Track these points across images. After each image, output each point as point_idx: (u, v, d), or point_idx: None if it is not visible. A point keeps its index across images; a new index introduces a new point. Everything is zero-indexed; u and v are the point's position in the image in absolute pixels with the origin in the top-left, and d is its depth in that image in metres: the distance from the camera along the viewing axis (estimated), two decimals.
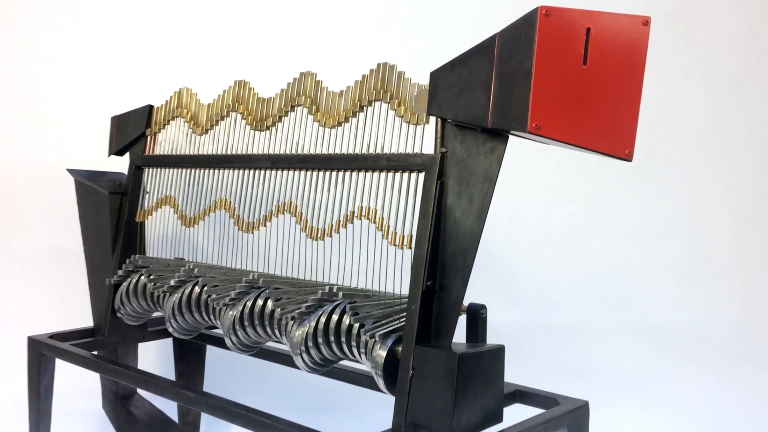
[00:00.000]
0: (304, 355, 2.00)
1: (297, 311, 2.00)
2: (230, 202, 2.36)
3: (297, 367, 2.07)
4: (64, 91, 3.80)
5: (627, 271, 4.19)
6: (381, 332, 1.83)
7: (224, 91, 2.44)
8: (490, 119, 1.64)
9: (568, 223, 4.17)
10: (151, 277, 2.49)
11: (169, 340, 3.08)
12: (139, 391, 2.95)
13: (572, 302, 4.10)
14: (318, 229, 2.06)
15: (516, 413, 2.03)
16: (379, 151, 1.95)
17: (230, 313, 2.19)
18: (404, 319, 1.84)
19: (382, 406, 2.50)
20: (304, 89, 2.18)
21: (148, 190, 2.68)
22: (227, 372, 3.50)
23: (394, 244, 1.86)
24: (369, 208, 1.94)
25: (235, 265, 2.44)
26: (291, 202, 2.15)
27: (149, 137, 2.71)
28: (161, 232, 2.70)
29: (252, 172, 2.31)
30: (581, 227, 4.18)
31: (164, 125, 2.64)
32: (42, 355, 2.61)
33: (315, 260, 2.14)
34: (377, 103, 1.97)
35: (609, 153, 1.66)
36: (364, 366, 1.95)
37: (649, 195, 4.23)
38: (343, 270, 2.06)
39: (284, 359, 2.61)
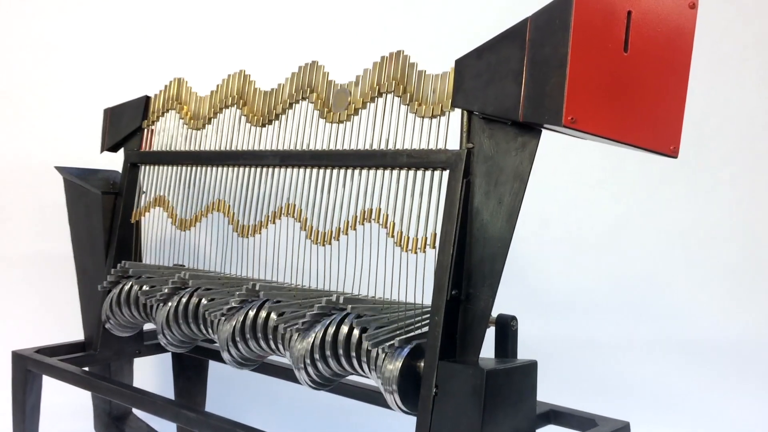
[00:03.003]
0: (310, 369, 2.03)
1: (301, 322, 2.02)
2: (227, 203, 2.38)
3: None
4: (51, 80, 3.82)
5: (671, 279, 4.18)
6: (389, 343, 1.85)
7: (223, 81, 2.46)
8: (522, 112, 1.65)
9: (606, 227, 4.16)
10: (144, 288, 2.51)
11: (168, 355, 3.09)
12: (135, 410, 2.97)
13: (611, 314, 4.09)
14: (328, 232, 2.07)
15: None
16: (399, 146, 1.95)
17: (227, 325, 2.22)
18: (420, 328, 1.85)
19: (398, 425, 2.50)
20: (310, 82, 2.23)
21: (144, 189, 2.69)
22: (231, 390, 3.51)
23: (416, 251, 1.87)
24: (386, 209, 1.94)
25: (239, 272, 2.45)
26: (301, 202, 2.16)
27: (146, 131, 2.72)
28: (159, 236, 2.71)
29: (257, 170, 2.32)
30: (621, 231, 4.18)
31: (158, 117, 2.65)
32: (27, 371, 2.62)
33: (327, 267, 2.15)
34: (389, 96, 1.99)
35: (652, 149, 1.67)
36: (373, 381, 1.97)
37: (697, 195, 4.22)
38: (359, 278, 2.06)
39: (292, 375, 2.62)
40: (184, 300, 2.38)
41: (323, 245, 2.11)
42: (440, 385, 1.74)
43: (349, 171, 2.06)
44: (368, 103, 2.02)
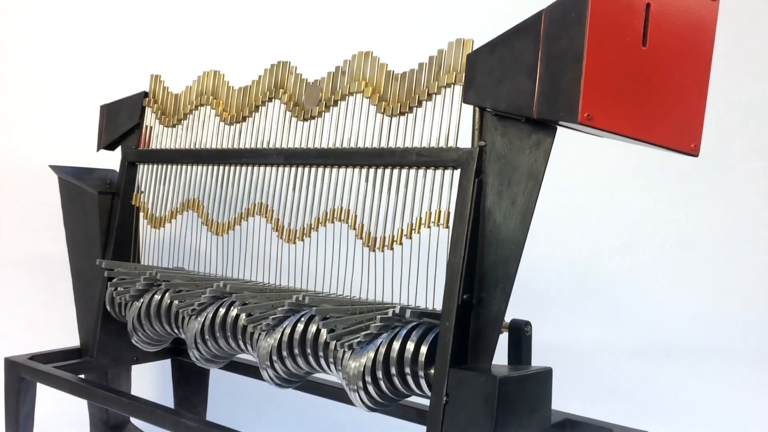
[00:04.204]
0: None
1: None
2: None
3: (314, 393, 2.12)
4: (46, 76, 3.83)
5: (692, 283, 4.18)
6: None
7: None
8: (536, 108, 1.65)
9: (624, 228, 4.16)
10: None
11: (167, 362, 3.09)
12: (133, 420, 2.97)
13: (629, 319, 4.09)
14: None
15: None
16: (407, 145, 1.95)
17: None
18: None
19: None
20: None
21: (142, 189, 2.69)
22: (234, 398, 3.51)
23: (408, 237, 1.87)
24: (394, 209, 1.94)
25: (240, 275, 2.45)
26: (304, 202, 2.16)
27: (144, 129, 2.72)
28: (159, 237, 2.71)
29: (261, 169, 2.33)
30: (639, 232, 4.18)
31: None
32: (21, 379, 2.62)
33: (333, 269, 2.15)
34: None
35: (672, 147, 1.67)
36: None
37: (718, 195, 4.22)
38: (365, 280, 2.07)
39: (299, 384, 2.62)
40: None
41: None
42: (451, 393, 1.74)
43: (356, 170, 2.06)
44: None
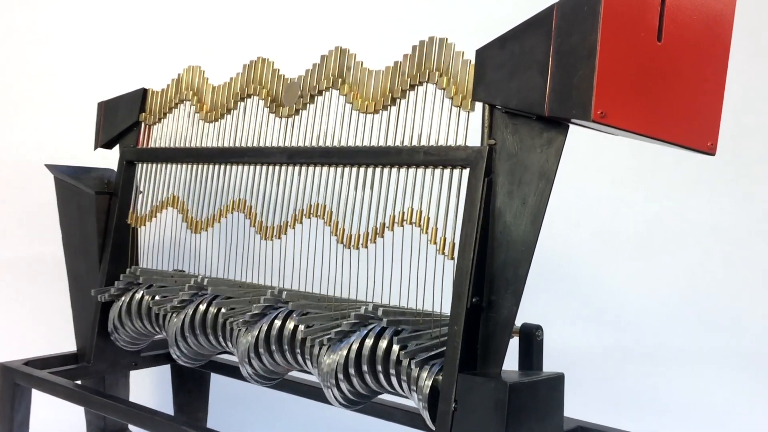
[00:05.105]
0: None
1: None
2: (246, 201, 2.39)
3: (318, 400, 2.13)
4: (42, 72, 3.83)
5: (710, 284, 4.17)
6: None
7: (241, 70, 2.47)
8: (547, 105, 1.65)
9: (639, 229, 4.16)
10: (156, 298, 2.53)
11: (167, 368, 3.09)
12: (131, 427, 2.97)
13: (645, 322, 4.09)
14: (352, 236, 2.06)
15: None
16: (415, 143, 1.95)
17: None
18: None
19: None
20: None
21: (141, 189, 2.69)
22: (235, 405, 3.51)
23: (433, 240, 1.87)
24: (400, 210, 1.94)
25: (244, 278, 2.45)
26: (318, 204, 2.16)
27: (143, 127, 2.72)
28: (158, 239, 2.71)
29: (265, 167, 2.33)
30: (655, 233, 4.17)
31: (167, 112, 2.66)
32: (16, 385, 2.63)
33: (341, 273, 2.15)
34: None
35: (688, 145, 1.67)
36: (394, 397, 2.01)
37: (736, 194, 4.21)
38: (374, 283, 2.07)
39: (301, 390, 2.62)
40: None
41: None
42: (460, 399, 1.74)
43: (362, 169, 2.06)
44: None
